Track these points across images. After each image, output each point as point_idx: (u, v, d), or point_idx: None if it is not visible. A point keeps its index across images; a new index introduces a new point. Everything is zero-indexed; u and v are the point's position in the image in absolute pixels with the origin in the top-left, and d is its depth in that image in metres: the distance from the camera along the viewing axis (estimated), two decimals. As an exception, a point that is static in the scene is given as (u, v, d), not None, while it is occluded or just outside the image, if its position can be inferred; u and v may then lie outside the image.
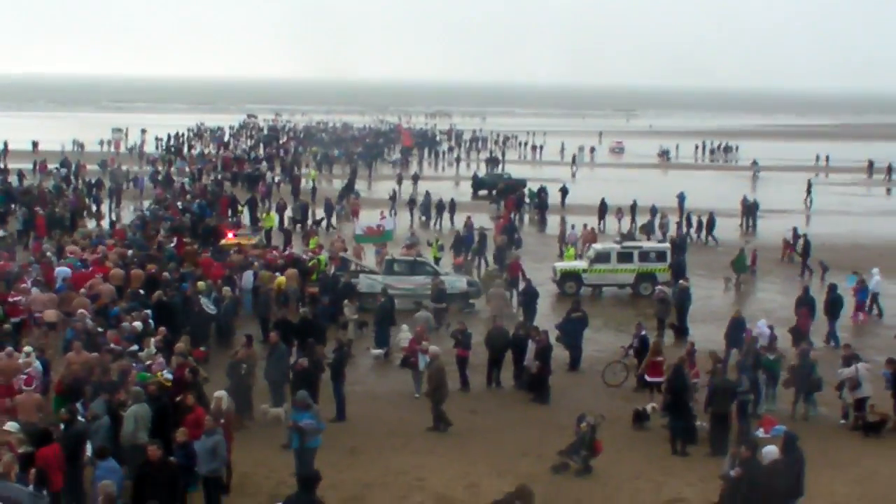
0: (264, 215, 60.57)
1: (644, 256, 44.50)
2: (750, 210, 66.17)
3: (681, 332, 36.60)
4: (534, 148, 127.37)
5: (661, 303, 37.63)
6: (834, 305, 37.39)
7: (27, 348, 27.26)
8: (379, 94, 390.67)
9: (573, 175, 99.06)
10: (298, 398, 22.60)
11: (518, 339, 30.85)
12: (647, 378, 29.07)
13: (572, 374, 32.15)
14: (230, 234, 49.06)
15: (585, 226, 57.02)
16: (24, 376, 24.37)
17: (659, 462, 24.70)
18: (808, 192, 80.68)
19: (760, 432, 25.62)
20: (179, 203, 60.89)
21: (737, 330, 32.55)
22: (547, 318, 38.70)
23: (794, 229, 55.41)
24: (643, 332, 31.34)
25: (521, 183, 79.28)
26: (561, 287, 44.27)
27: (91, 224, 58.75)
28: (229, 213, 62.48)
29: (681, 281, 40.01)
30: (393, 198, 70.40)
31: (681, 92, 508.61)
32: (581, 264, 45.35)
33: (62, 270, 38.34)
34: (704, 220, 60.68)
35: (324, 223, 62.43)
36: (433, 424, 26.63)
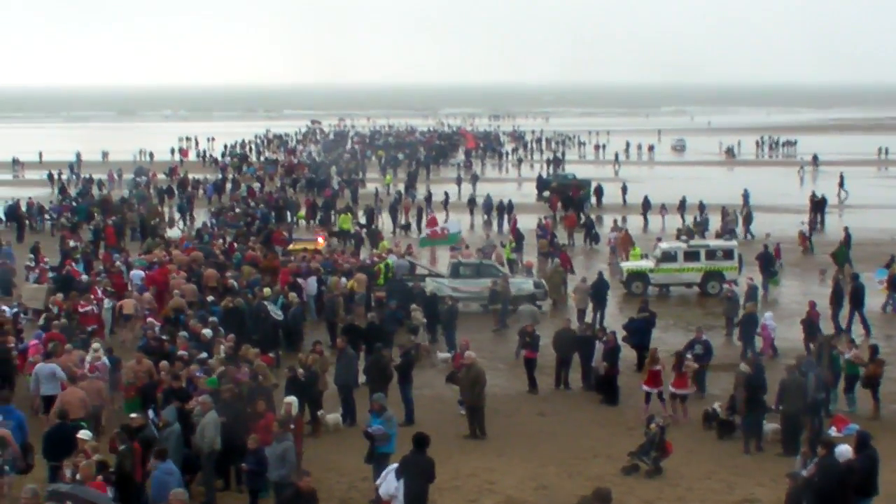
0: (338, 217, 61.22)
1: (711, 255, 44.14)
2: (818, 206, 65.51)
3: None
4: (596, 147, 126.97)
5: (728, 301, 37.34)
6: (856, 294, 37.44)
7: (95, 345, 28.05)
8: (407, 96, 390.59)
9: (616, 173, 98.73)
10: (375, 400, 22.70)
11: (585, 340, 30.79)
12: (645, 387, 28.27)
13: (641, 375, 31.99)
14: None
15: (615, 223, 57.33)
16: (88, 365, 25.77)
17: (730, 462, 24.53)
18: (841, 185, 79.95)
19: (833, 431, 25.40)
20: (237, 209, 61.77)
21: (749, 326, 33.25)
22: (614, 318, 38.67)
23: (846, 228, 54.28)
24: (704, 337, 30.56)
25: (585, 183, 79.17)
26: (628, 287, 44.09)
27: (174, 231, 59.66)
28: (313, 215, 64.17)
29: (747, 278, 39.78)
30: (445, 202, 70.69)
31: (701, 88, 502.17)
32: (648, 264, 45.11)
33: (136, 274, 39.35)
34: (742, 215, 60.74)
35: (394, 227, 62.92)
36: (469, 432, 26.35)
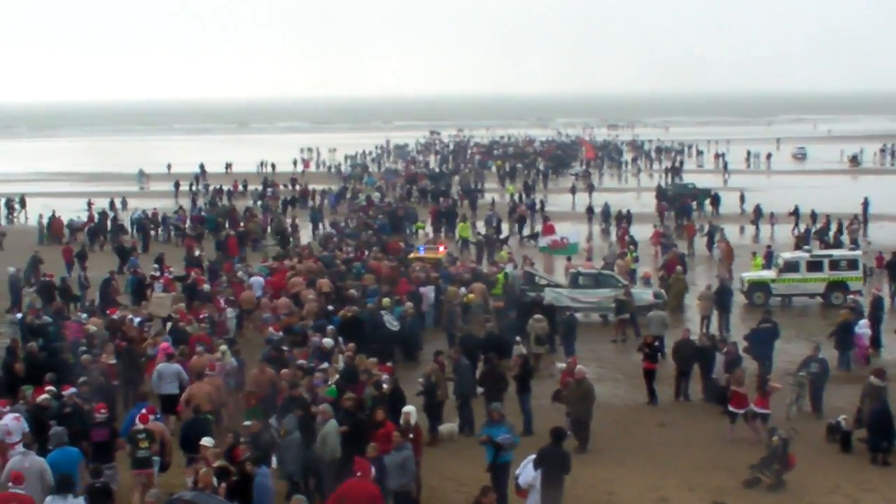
0: (460, 225, 61.66)
1: (835, 265, 43.33)
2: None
3: (874, 343, 35.50)
4: (716, 156, 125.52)
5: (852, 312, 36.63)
6: None
7: (222, 347, 29.14)
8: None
9: (725, 182, 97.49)
10: (494, 409, 22.74)
11: (706, 351, 30.45)
12: (731, 408, 27.28)
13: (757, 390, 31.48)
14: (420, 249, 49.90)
15: (721, 234, 56.83)
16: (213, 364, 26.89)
17: (855, 476, 24.05)
18: None
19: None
20: (356, 219, 62.50)
21: (844, 334, 32.94)
22: (735, 328, 38.20)
23: None
24: (821, 355, 29.61)
25: (703, 192, 78.63)
26: (749, 297, 43.46)
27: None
28: (438, 224, 65.64)
29: (874, 288, 39.00)
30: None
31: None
32: (770, 274, 44.45)
33: (256, 280, 40.17)
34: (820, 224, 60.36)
35: (517, 236, 63.04)
36: (579, 446, 26.02)
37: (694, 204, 74.16)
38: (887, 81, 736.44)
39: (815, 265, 43.39)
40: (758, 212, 66.41)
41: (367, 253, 47.75)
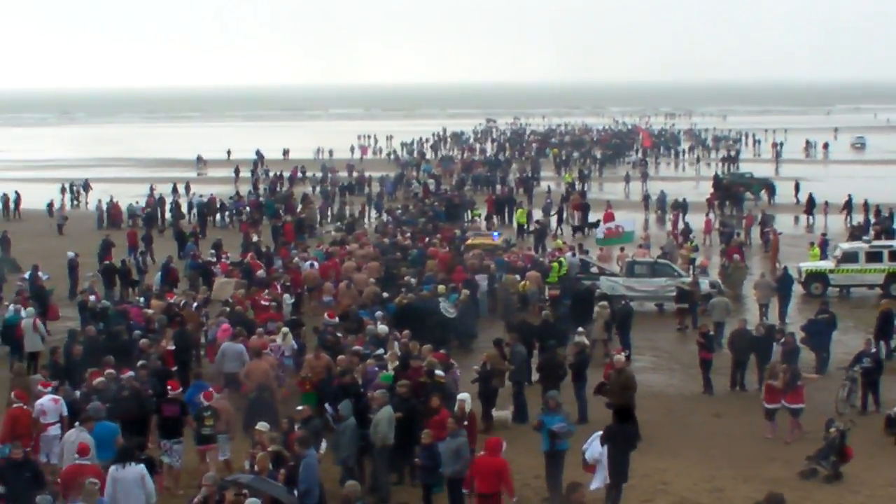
0: (518, 211, 61.96)
1: (894, 256, 42.85)
2: None
3: None
4: (774, 145, 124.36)
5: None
6: None
7: (284, 329, 29.71)
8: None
9: (776, 171, 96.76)
10: (550, 398, 22.76)
11: (763, 341, 30.25)
12: (766, 405, 26.35)
13: (820, 378, 31.20)
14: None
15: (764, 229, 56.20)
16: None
17: (915, 469, 23.83)
18: None
19: None
20: (412, 206, 62.67)
21: (885, 323, 33.00)
22: (792, 319, 37.93)
23: None
24: (874, 349, 29.23)
25: (761, 181, 78.24)
26: (807, 288, 43.09)
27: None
28: (497, 212, 66.16)
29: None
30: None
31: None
32: (828, 264, 44.06)
33: (307, 264, 40.61)
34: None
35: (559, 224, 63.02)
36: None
37: (748, 193, 73.83)
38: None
39: (874, 256, 42.94)
40: (811, 201, 65.89)
41: (426, 240, 47.80)
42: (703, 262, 46.28)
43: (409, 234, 49.40)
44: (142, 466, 18.54)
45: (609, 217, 55.96)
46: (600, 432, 20.89)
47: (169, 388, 23.06)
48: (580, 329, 31.40)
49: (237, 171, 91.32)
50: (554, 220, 63.53)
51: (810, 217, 65.18)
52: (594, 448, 20.83)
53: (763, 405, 26.48)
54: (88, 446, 19.23)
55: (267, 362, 26.46)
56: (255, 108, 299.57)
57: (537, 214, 63.63)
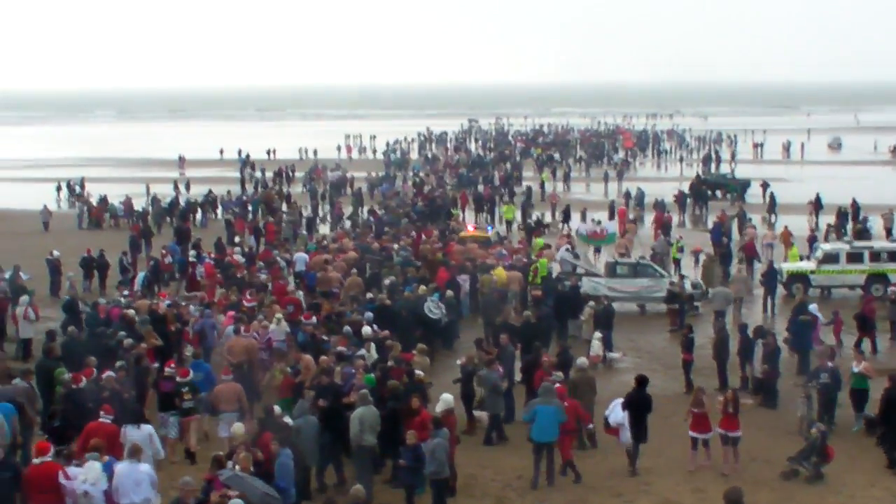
0: (504, 207, 63.30)
1: (875, 257, 43.02)
2: None
3: None
4: (755, 146, 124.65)
5: (893, 305, 36.37)
6: None
7: (278, 314, 30.59)
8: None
9: (732, 170, 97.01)
10: (543, 391, 23.11)
11: (743, 342, 30.30)
12: (691, 433, 24.30)
13: (802, 378, 31.20)
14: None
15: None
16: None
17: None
18: None
19: None
20: (394, 206, 62.68)
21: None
22: (774, 319, 38.04)
23: None
24: (831, 364, 27.04)
25: (741, 182, 78.60)
26: (788, 289, 43.19)
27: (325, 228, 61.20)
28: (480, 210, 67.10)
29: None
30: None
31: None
32: (809, 265, 44.21)
33: (300, 256, 41.50)
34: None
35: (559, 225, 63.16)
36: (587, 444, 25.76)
37: (728, 195, 75.03)
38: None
39: (855, 256, 43.12)
40: (773, 202, 66.93)
41: (421, 238, 47.86)
42: (696, 248, 47.62)
43: (391, 235, 49.15)
44: (151, 427, 21.07)
45: (622, 214, 57.88)
46: (620, 399, 24.06)
47: (167, 366, 25.30)
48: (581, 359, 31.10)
49: (243, 169, 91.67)
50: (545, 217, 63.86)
51: (773, 216, 65.53)
52: (616, 413, 23.90)
53: (689, 433, 24.46)
54: (110, 407, 21.18)
55: (247, 340, 28.39)
56: (231, 107, 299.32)
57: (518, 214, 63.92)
